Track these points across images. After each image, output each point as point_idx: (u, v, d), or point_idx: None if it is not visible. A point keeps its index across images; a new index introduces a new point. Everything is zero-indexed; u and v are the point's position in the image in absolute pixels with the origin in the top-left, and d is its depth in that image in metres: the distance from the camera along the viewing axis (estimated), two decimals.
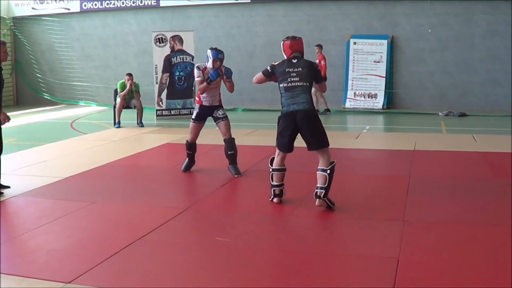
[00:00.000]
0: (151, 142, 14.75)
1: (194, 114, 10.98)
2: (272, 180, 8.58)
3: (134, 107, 17.87)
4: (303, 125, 8.27)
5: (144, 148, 13.85)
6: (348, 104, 22.90)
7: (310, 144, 8.40)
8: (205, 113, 10.89)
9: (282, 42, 8.66)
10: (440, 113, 20.74)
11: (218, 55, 10.37)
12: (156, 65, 20.01)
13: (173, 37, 20.18)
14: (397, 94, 23.07)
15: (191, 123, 10.99)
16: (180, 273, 5.95)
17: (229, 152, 10.60)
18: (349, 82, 23.13)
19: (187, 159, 11.05)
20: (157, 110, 19.99)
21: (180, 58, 20.18)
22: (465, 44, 22.27)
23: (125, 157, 12.44)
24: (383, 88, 22.64)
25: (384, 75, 22.75)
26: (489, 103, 22.03)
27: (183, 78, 20.24)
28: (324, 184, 8.09)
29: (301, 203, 8.55)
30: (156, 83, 19.99)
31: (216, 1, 24.28)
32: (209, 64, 10.42)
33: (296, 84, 8.31)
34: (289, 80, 8.33)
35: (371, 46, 22.94)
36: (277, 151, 8.58)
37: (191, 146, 11.00)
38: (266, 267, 6.19)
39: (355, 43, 23.17)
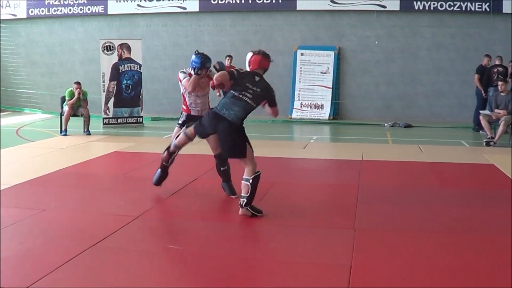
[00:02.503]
0: (99, 150, 14.66)
1: (181, 120, 9.72)
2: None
3: (81, 115, 17.69)
4: (221, 133, 8.33)
5: (92, 156, 13.74)
6: (295, 115, 23.00)
7: (226, 153, 8.71)
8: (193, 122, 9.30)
9: (252, 54, 8.53)
10: (386, 124, 21.01)
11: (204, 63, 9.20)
12: (103, 73, 19.85)
13: (121, 45, 20.04)
14: (344, 105, 23.27)
15: (175, 128, 9.68)
16: (133, 280, 5.91)
17: (221, 169, 9.58)
18: (296, 93, 23.26)
19: (159, 170, 9.71)
20: (103, 118, 19.83)
21: (127, 66, 20.06)
22: (410, 56, 22.65)
23: (73, 165, 12.30)
24: (330, 99, 22.84)
25: (331, 86, 22.96)
26: (433, 115, 22.42)
27: (130, 86, 20.10)
28: (247, 194, 8.15)
29: None
30: (103, 91, 19.85)
31: (164, 10, 24.26)
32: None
33: (246, 101, 8.25)
34: (243, 93, 8.23)
35: (318, 57, 23.13)
36: (190, 132, 8.72)
37: (170, 156, 9.53)
38: (218, 274, 6.18)
39: (302, 54, 23.35)
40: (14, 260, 6.38)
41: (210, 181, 10.44)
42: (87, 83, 20.90)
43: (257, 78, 8.34)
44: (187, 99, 9.65)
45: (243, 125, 8.53)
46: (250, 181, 8.17)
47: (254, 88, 8.26)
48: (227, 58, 19.92)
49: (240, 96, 8.23)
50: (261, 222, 8.15)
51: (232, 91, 8.32)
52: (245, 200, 8.17)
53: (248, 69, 8.53)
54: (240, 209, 8.22)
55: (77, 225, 7.91)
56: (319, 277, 6.05)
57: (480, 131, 18.16)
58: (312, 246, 7.11)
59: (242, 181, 8.26)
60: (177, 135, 9.38)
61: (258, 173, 8.27)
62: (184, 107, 9.71)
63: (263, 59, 8.46)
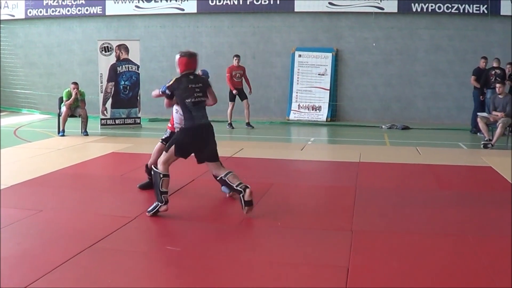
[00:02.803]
0: (96, 151, 14.63)
1: (164, 136, 9.94)
2: (162, 187, 8.39)
3: (79, 116, 17.69)
4: (208, 138, 8.68)
5: (89, 157, 13.74)
6: (293, 116, 23.00)
7: (210, 158, 8.78)
8: None
9: (177, 57, 8.70)
10: (383, 126, 20.98)
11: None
12: (101, 74, 19.82)
13: (118, 46, 20.02)
14: (341, 106, 23.27)
15: (158, 144, 9.90)
16: (131, 281, 5.92)
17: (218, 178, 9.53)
18: (294, 94, 23.26)
19: (148, 180, 10.04)
20: (101, 119, 19.81)
21: (125, 67, 20.04)
22: (408, 58, 22.65)
23: (71, 166, 12.31)
24: (327, 100, 22.83)
25: (329, 88, 22.94)
26: (431, 116, 22.43)
27: (128, 87, 20.08)
28: (240, 180, 8.51)
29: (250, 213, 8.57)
30: (101, 92, 19.82)
31: (162, 11, 24.25)
32: None
33: (201, 99, 8.59)
34: (195, 95, 8.51)
35: (316, 59, 23.12)
36: (168, 156, 8.54)
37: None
38: (216, 275, 6.19)
39: (300, 55, 23.33)
40: (11, 261, 6.38)
41: (207, 183, 10.42)
42: (85, 84, 20.89)
43: (191, 77, 8.61)
44: (174, 115, 9.75)
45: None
46: (233, 171, 8.70)
47: (197, 85, 8.56)
48: (235, 58, 19.86)
49: (196, 100, 8.52)
50: (258, 223, 8.17)
51: (186, 101, 8.52)
52: (244, 184, 8.42)
53: (177, 70, 8.72)
54: (248, 190, 8.33)
55: (75, 225, 7.91)
56: (317, 279, 6.05)
57: (478, 133, 18.16)
58: (310, 248, 7.12)
59: (228, 178, 8.56)
60: (157, 153, 9.63)
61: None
62: (170, 124, 9.94)
63: (189, 60, 8.65)
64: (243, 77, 19.92)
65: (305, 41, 23.47)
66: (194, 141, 8.59)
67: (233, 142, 15.80)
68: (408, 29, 22.53)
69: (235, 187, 8.48)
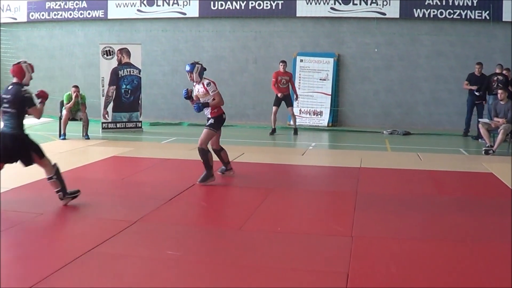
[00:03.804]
0: (98, 155, 14.62)
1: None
2: None
3: (80, 120, 17.69)
4: (13, 147, 8.94)
5: (90, 160, 13.73)
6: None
7: (24, 163, 9.15)
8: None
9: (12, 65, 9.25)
10: (384, 132, 20.96)
11: (186, 67, 11.31)
12: (102, 77, 19.85)
13: (120, 50, 20.04)
14: (343, 112, 23.26)
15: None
16: (131, 286, 5.91)
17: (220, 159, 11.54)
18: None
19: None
20: (102, 123, 19.84)
21: (127, 71, 20.05)
22: (410, 64, 22.65)
23: (71, 169, 12.26)
24: (329, 105, 22.84)
25: (330, 93, 22.95)
26: (432, 122, 22.42)
27: (129, 91, 20.10)
28: (59, 187, 9.11)
29: (250, 218, 8.56)
30: (103, 95, 19.84)
31: (164, 15, 24.27)
32: None
33: (7, 110, 8.92)
34: (3, 106, 8.94)
35: (317, 64, 23.12)
36: None
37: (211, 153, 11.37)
38: (216, 280, 6.18)
39: (301, 60, 23.34)
40: (11, 263, 6.38)
41: (207, 188, 10.46)
42: (86, 88, 20.90)
43: (10, 87, 9.05)
44: None
45: (26, 134, 9.17)
46: (55, 176, 9.13)
47: (6, 96, 8.92)
48: (281, 63, 19.71)
49: (3, 109, 8.97)
50: (258, 228, 8.15)
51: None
52: (61, 193, 9.12)
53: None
54: (63, 201, 9.12)
55: (75, 229, 7.93)
56: (316, 284, 6.04)
57: (479, 140, 18.14)
58: (310, 253, 7.10)
59: (48, 182, 9.14)
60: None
61: (56, 167, 9.24)
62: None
63: (11, 69, 9.27)
64: (289, 83, 19.88)
65: (307, 46, 23.48)
66: (2, 149, 8.95)
67: (234, 146, 15.75)
68: (409, 35, 22.54)
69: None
